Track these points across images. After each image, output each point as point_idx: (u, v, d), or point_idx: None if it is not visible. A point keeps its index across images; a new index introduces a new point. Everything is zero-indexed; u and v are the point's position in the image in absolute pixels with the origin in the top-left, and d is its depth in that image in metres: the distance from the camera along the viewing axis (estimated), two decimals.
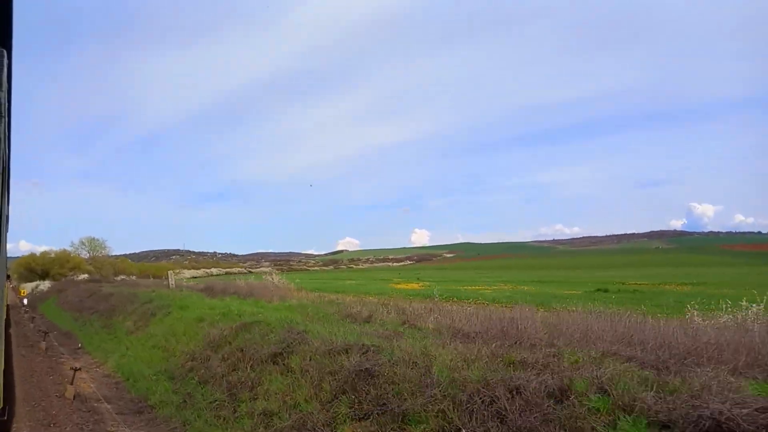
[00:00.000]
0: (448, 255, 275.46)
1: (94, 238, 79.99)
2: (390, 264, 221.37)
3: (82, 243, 76.01)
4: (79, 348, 15.00)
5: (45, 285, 38.55)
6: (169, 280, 21.66)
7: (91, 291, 23.99)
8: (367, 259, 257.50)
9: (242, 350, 8.51)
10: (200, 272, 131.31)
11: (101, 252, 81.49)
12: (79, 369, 9.00)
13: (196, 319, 11.62)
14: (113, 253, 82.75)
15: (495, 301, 16.30)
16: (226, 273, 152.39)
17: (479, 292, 21.08)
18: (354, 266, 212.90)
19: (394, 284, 31.46)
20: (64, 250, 70.06)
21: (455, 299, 17.44)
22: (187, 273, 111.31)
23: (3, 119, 1.51)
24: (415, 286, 29.28)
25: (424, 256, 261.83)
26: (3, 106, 1.47)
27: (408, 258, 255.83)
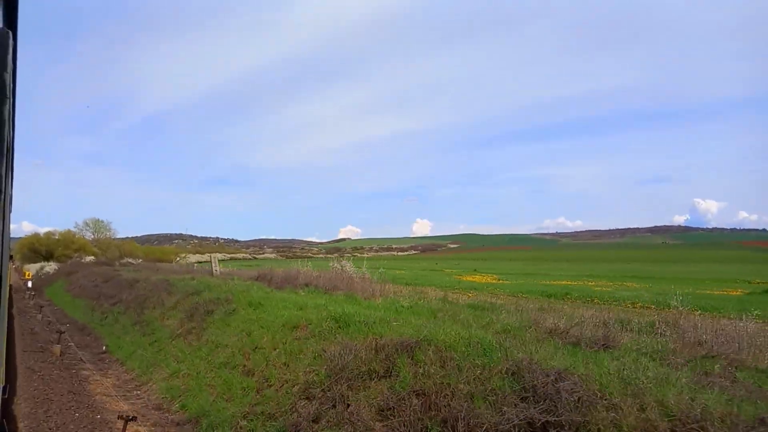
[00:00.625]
0: (452, 246, 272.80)
1: (98, 220, 76.74)
2: (394, 253, 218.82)
3: (87, 224, 72.68)
4: (104, 352, 11.38)
5: (51, 267, 34.91)
6: (213, 266, 17.56)
7: (107, 275, 20.34)
8: (371, 248, 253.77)
9: (424, 396, 4.81)
10: (205, 257, 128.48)
11: (106, 234, 78.42)
12: (134, 419, 5.31)
13: (284, 324, 7.91)
14: (117, 236, 79.48)
15: (664, 307, 12.40)
16: (231, 258, 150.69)
17: (596, 291, 16.74)
18: (358, 254, 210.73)
19: (460, 276, 26.64)
20: (69, 231, 66.71)
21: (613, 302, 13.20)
22: (192, 257, 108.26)
23: (8, 100, 1.36)
24: (489, 279, 24.64)
25: (428, 246, 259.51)
26: (8, 87, 1.35)
27: (412, 248, 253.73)
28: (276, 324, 8.14)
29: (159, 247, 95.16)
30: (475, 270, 30.77)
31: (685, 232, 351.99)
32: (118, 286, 16.91)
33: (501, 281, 21.92)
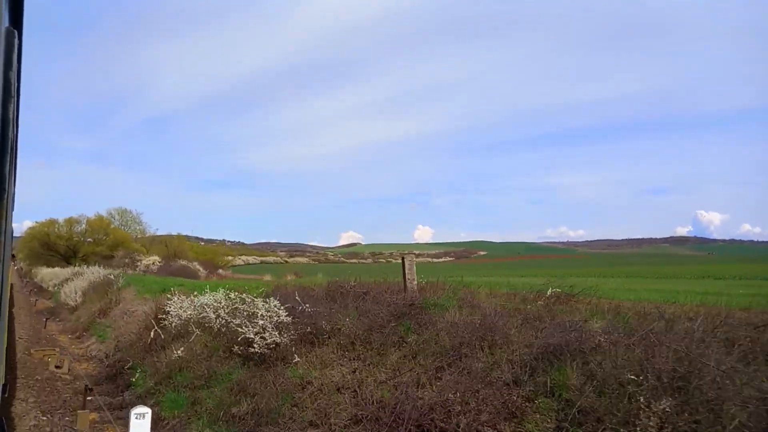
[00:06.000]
0: (482, 253, 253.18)
1: (126, 210, 54.23)
2: (430, 260, 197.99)
3: (111, 215, 50.06)
4: None
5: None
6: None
7: None
8: (390, 254, 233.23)
9: None
10: (241, 260, 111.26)
11: (136, 228, 56.17)
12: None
13: None
14: (148, 231, 57.16)
15: None
16: (262, 262, 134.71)
17: None
18: (393, 260, 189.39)
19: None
20: (101, 218, 44.06)
21: None
22: (235, 261, 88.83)
23: (12, 100, 1.35)
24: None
25: (461, 253, 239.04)
26: (13, 86, 1.35)
27: (444, 254, 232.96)
28: None
29: (210, 246, 72.66)
30: (571, 286, 14.75)
31: (702, 244, 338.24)
32: None
33: None
